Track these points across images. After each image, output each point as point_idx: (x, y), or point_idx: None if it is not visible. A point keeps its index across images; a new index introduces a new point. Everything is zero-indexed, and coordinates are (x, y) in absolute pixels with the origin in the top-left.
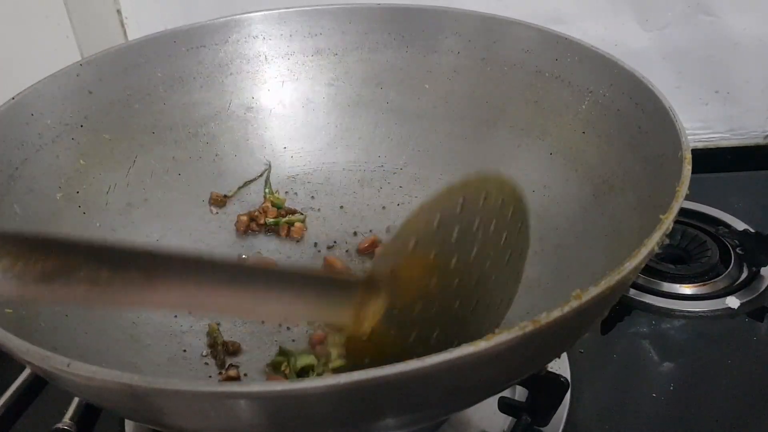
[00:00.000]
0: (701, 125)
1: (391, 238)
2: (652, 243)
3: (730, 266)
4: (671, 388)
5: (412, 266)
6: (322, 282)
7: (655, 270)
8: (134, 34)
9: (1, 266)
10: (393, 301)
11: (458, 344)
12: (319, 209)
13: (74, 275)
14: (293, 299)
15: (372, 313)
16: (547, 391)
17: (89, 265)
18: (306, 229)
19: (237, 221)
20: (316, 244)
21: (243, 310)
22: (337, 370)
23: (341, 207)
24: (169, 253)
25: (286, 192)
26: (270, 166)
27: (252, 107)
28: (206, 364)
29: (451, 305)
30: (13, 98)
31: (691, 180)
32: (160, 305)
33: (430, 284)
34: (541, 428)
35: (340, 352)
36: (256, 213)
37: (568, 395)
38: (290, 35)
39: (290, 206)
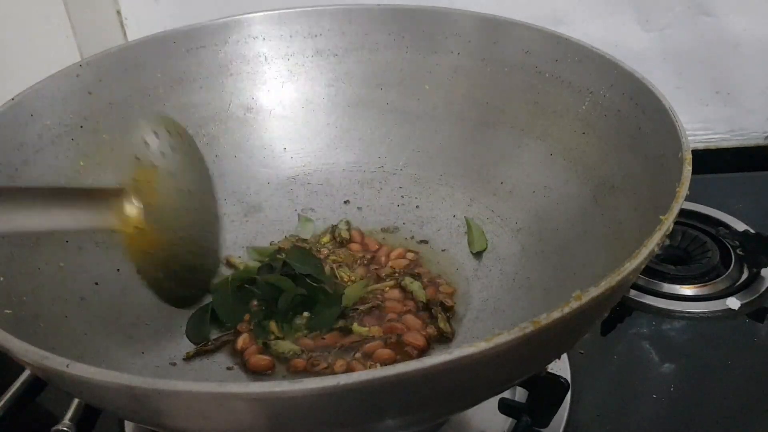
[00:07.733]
0: (701, 126)
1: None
2: (653, 244)
3: (731, 267)
4: (671, 389)
5: (144, 174)
6: (84, 194)
7: (656, 271)
8: (134, 34)
9: None
10: (145, 200)
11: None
12: (318, 210)
13: None
14: (60, 211)
15: (134, 213)
16: (547, 392)
17: None
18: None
19: None
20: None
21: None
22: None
23: (341, 207)
24: None
25: (287, 192)
26: None
27: (252, 108)
28: (205, 365)
29: (191, 204)
30: (12, 99)
31: (692, 181)
32: None
33: (167, 186)
34: (541, 429)
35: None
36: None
37: (568, 396)
38: (290, 36)
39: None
